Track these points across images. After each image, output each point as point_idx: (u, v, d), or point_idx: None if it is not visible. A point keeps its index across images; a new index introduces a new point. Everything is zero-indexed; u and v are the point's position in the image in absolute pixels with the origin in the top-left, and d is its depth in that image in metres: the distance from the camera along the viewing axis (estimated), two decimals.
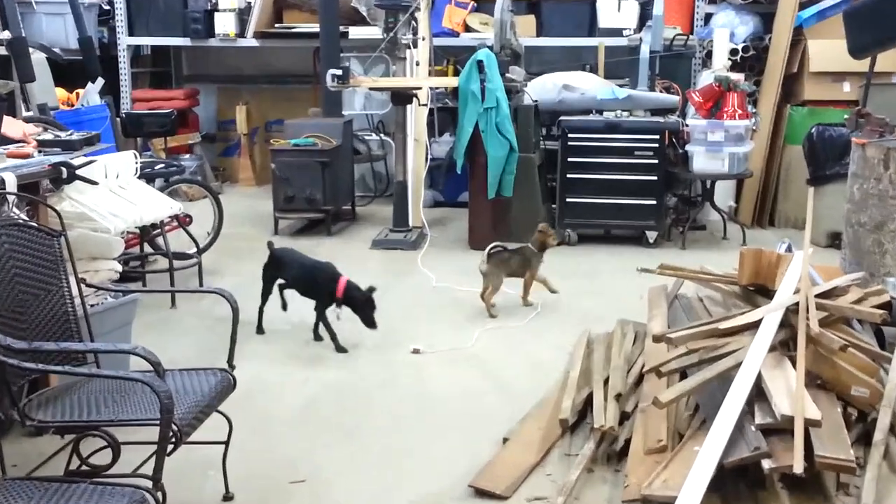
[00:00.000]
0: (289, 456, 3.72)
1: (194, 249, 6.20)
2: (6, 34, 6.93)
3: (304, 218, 7.93)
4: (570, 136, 7.32)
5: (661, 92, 7.79)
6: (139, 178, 5.85)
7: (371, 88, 8.32)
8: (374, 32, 8.44)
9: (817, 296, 3.79)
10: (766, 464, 3.03)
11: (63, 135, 5.14)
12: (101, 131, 6.13)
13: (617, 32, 8.60)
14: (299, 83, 10.73)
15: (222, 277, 6.38)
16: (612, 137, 7.28)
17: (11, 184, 3.98)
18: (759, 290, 4.24)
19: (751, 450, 3.05)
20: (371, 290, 4.86)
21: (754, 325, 3.63)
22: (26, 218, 3.80)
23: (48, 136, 5.10)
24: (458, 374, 4.64)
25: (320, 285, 4.91)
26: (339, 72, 7.20)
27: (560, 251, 7.17)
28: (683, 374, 3.71)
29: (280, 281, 5.18)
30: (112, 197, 5.37)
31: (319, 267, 5.03)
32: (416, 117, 7.76)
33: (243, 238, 7.70)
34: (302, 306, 5.15)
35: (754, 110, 7.58)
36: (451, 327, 5.37)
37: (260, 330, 5.11)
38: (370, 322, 4.84)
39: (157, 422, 2.66)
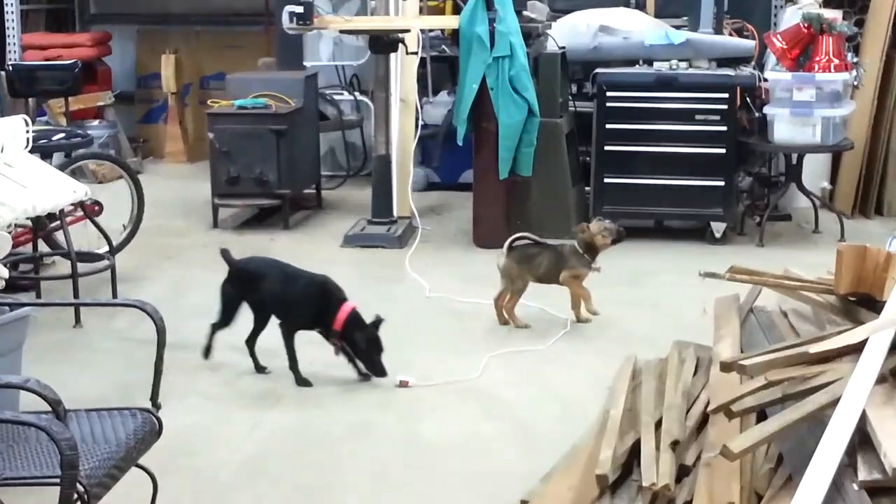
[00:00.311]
0: None
1: (106, 248, 6.19)
2: None
3: (253, 205, 7.95)
4: (608, 94, 7.33)
5: (730, 35, 7.79)
6: (31, 152, 5.83)
7: (342, 31, 8.32)
8: None
9: None
10: None
11: None
12: None
13: None
14: (246, 24, 10.73)
15: (143, 286, 6.37)
16: (664, 97, 7.28)
17: None
18: (862, 302, 4.22)
19: None
20: (377, 322, 4.87)
21: (856, 349, 3.61)
22: None
23: None
24: (459, 414, 4.64)
25: (302, 305, 4.88)
26: (300, 8, 7.20)
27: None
28: (762, 415, 3.69)
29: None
30: None
31: (313, 283, 4.96)
32: (403, 70, 7.76)
33: (171, 233, 7.70)
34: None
35: (855, 60, 7.58)
36: (451, 352, 5.37)
37: (207, 353, 5.11)
38: (378, 369, 4.86)
39: (57, 480, 2.64)
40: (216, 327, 5.11)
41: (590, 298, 5.69)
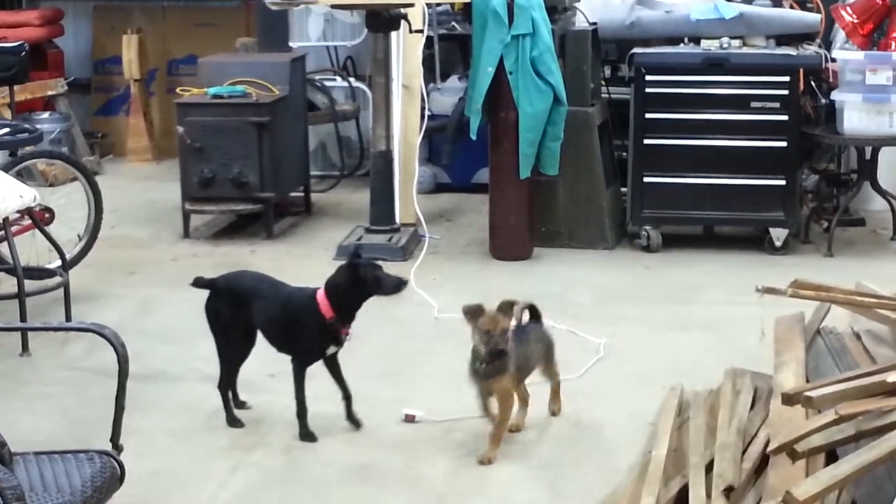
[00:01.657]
0: None
1: (58, 263, 6.20)
2: None
3: (231, 211, 7.95)
4: (648, 78, 7.34)
5: (791, 8, 7.79)
6: None
7: (334, 6, 8.33)
8: None
9: None
10: None
11: None
12: None
13: None
14: None
15: (101, 307, 6.38)
16: (714, 80, 7.28)
17: None
18: None
19: None
20: (353, 263, 4.68)
21: None
22: None
23: None
24: (473, 456, 4.63)
25: (301, 325, 4.74)
26: None
27: (634, 261, 7.19)
28: (832, 456, 3.68)
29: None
30: None
31: (295, 297, 4.82)
32: (406, 52, 7.77)
33: (135, 244, 7.71)
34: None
35: None
36: (464, 381, 5.32)
37: (233, 421, 4.92)
38: (393, 284, 4.63)
39: None
40: (227, 382, 4.94)
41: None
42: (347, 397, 4.87)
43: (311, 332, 4.71)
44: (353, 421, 4.85)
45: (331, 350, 4.76)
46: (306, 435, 4.76)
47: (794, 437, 3.62)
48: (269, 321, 4.81)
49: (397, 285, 4.65)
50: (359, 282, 4.63)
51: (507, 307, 4.49)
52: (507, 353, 4.46)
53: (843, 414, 3.58)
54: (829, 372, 4.29)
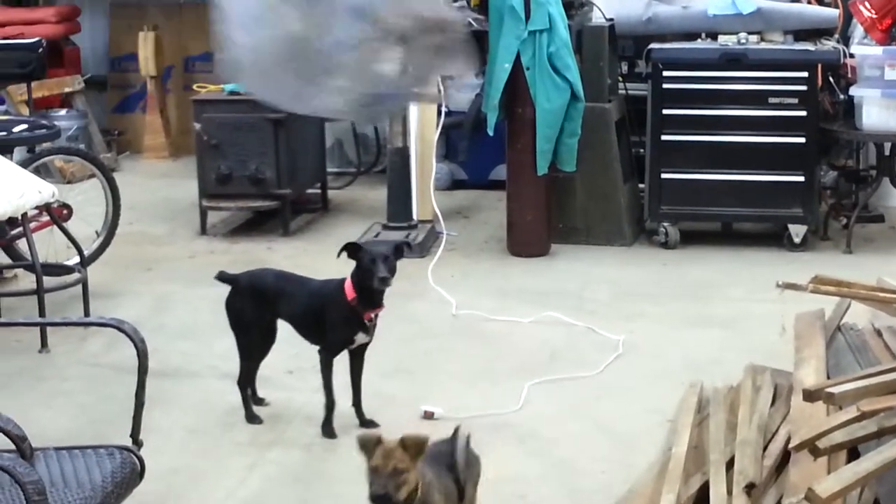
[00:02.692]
0: None
1: (76, 259, 6.22)
2: None
3: (247, 208, 7.96)
4: (665, 74, 7.33)
5: (809, 3, 7.76)
6: None
7: None
8: None
9: None
10: None
11: None
12: None
13: None
14: None
15: (120, 303, 6.39)
16: (732, 76, 7.28)
17: None
18: None
19: None
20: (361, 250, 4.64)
21: None
22: None
23: None
24: (494, 453, 4.60)
25: (328, 310, 4.72)
26: None
27: (652, 258, 7.17)
28: (853, 453, 3.67)
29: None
30: None
31: (325, 286, 4.82)
32: None
33: (152, 241, 7.73)
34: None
35: None
36: (483, 380, 5.37)
37: (251, 417, 4.93)
38: (378, 278, 4.54)
39: None
40: (246, 379, 4.94)
41: None
42: (357, 403, 4.86)
43: (338, 316, 4.70)
44: (368, 423, 4.82)
45: (359, 339, 4.73)
46: (328, 431, 4.76)
47: (815, 433, 3.60)
48: (299, 312, 4.82)
49: (382, 280, 4.55)
50: (358, 265, 4.64)
51: (412, 445, 3.39)
52: None
53: (865, 410, 3.57)
54: (849, 368, 4.27)
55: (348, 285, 4.65)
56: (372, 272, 4.55)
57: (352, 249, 4.65)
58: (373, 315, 4.70)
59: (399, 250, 4.69)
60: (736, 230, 7.70)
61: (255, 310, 4.84)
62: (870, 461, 3.42)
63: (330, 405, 4.78)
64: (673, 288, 6.64)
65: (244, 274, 5.00)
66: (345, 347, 4.79)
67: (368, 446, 3.42)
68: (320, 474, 4.48)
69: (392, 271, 4.59)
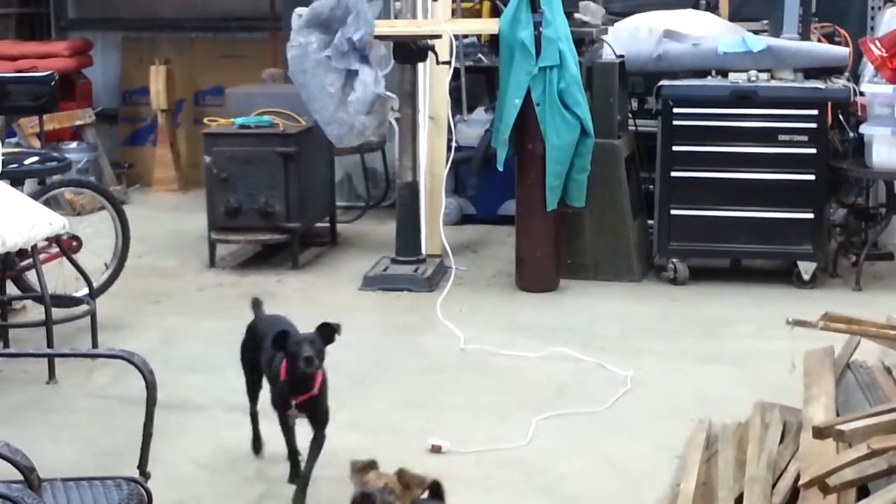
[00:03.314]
0: None
1: (85, 291, 6.22)
2: None
3: (256, 241, 7.97)
4: (675, 111, 7.33)
5: (819, 42, 7.78)
6: (0, 177, 5.88)
7: None
8: None
9: None
10: None
11: None
12: None
13: None
14: (248, 30, 10.80)
15: (128, 336, 6.39)
16: (742, 114, 7.27)
17: None
18: None
19: None
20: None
21: None
22: None
23: None
24: (501, 488, 4.62)
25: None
26: None
27: (661, 294, 7.16)
28: (863, 491, 3.65)
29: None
30: None
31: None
32: (433, 83, 7.79)
33: (161, 273, 7.73)
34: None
35: None
36: (491, 414, 5.35)
37: (258, 447, 4.90)
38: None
39: None
40: (255, 412, 4.89)
41: None
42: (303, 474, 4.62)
43: (273, 389, 4.64)
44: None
45: (293, 416, 4.54)
46: (294, 479, 4.58)
47: (825, 470, 3.60)
48: (265, 363, 4.70)
49: (307, 360, 4.31)
50: (285, 350, 4.44)
51: (410, 478, 3.38)
52: None
53: (875, 448, 3.56)
54: (859, 406, 4.26)
55: (284, 366, 4.48)
56: (297, 355, 4.34)
57: (278, 339, 4.44)
58: (303, 399, 4.46)
59: (323, 334, 4.44)
60: (745, 267, 7.68)
61: (249, 351, 4.85)
62: (880, 499, 3.41)
63: (290, 454, 4.61)
64: (682, 324, 6.62)
65: (257, 316, 4.93)
66: (283, 419, 4.61)
67: (363, 469, 3.35)
68: None
69: (319, 355, 4.38)
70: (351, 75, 7.06)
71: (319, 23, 7.08)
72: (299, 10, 7.28)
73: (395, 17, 8.22)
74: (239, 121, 7.86)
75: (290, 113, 7.93)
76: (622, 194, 7.38)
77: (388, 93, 7.19)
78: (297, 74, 7.12)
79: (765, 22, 8.06)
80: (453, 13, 8.16)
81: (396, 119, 7.61)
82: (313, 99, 7.14)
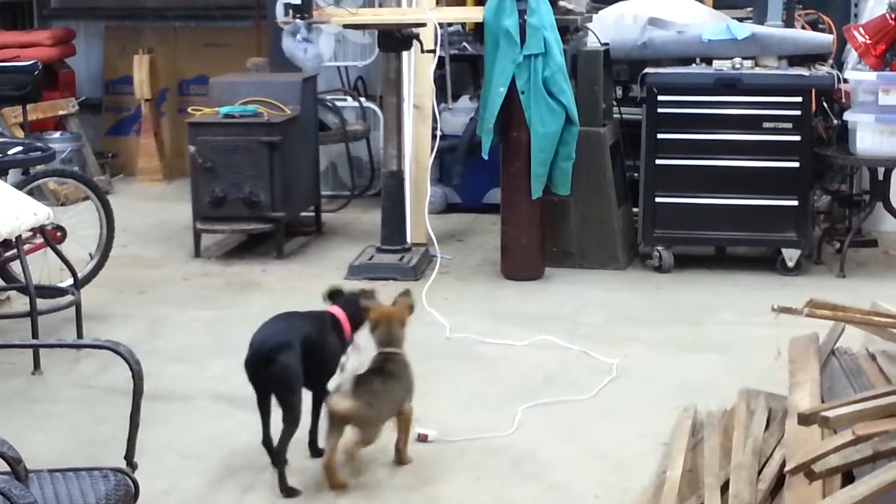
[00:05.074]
0: None
1: (70, 282, 6.22)
2: None
3: (241, 231, 7.96)
4: (660, 99, 7.35)
5: (803, 29, 7.80)
6: None
7: (346, 26, 8.34)
8: None
9: None
10: None
11: None
12: None
13: None
14: (232, 19, 10.79)
15: (113, 326, 6.39)
16: (726, 101, 7.29)
17: None
18: None
19: None
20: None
21: None
22: None
23: None
24: (488, 476, 4.63)
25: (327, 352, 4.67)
26: None
27: (646, 282, 7.18)
28: (849, 477, 3.66)
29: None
30: None
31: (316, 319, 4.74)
32: (417, 71, 7.79)
33: (145, 263, 7.72)
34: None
35: None
36: (477, 402, 5.36)
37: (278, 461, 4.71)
38: None
39: None
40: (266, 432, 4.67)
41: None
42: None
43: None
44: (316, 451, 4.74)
45: None
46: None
47: (811, 457, 3.61)
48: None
49: None
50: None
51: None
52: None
53: (860, 434, 3.58)
54: (844, 392, 4.27)
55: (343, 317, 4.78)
56: (355, 295, 4.79)
57: (333, 294, 4.81)
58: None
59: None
60: (729, 254, 7.71)
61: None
62: (865, 485, 3.42)
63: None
64: (667, 312, 6.64)
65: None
66: None
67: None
68: (315, 496, 4.45)
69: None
70: None
71: None
72: None
73: (380, 6, 8.24)
74: (223, 110, 7.84)
75: (275, 102, 7.92)
76: (607, 182, 7.39)
77: None
78: None
79: (749, 9, 8.08)
80: (438, 1, 8.16)
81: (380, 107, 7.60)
82: None
